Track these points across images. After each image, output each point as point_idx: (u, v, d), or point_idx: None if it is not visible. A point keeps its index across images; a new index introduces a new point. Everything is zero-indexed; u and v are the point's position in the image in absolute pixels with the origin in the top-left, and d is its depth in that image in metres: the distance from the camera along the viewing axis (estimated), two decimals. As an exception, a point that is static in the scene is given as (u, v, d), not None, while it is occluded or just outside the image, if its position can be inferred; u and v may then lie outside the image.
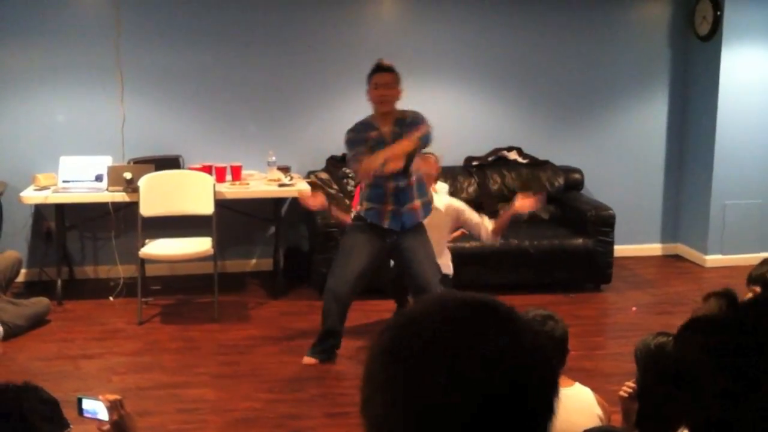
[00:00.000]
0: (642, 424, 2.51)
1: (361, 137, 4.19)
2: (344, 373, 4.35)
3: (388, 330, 0.98)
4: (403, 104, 6.13)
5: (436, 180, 5.97)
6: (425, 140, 4.12)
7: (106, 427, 2.19)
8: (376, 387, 0.94)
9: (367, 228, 4.28)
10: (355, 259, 4.25)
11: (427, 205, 4.35)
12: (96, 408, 2.20)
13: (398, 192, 4.19)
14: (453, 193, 6.13)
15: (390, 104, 4.22)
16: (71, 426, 1.99)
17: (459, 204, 4.79)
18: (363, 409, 0.95)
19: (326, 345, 4.42)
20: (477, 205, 6.22)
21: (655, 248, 6.78)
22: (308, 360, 4.41)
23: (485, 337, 0.91)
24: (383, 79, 4.21)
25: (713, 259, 6.39)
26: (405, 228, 4.24)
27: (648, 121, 6.64)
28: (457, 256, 5.54)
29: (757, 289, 2.97)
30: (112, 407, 2.18)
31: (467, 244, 5.61)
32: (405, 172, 4.14)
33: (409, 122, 4.17)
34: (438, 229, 4.59)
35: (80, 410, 2.20)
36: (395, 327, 0.97)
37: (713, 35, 6.24)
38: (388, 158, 3.97)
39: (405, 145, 4.04)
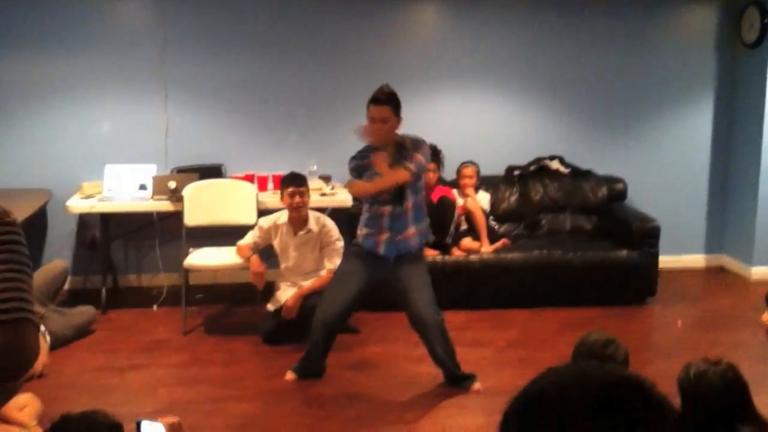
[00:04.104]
0: None
1: (365, 163, 4.08)
2: (387, 395, 4.30)
3: (514, 414, 0.92)
4: (445, 110, 6.17)
5: (476, 189, 5.96)
6: (419, 170, 4.00)
7: None
8: None
9: (363, 254, 4.21)
10: (347, 287, 4.20)
11: (424, 233, 4.26)
12: (155, 431, 2.19)
13: (393, 219, 4.11)
14: (494, 202, 6.11)
15: (382, 140, 4.03)
16: None
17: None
18: None
19: (307, 369, 4.39)
20: (518, 215, 6.21)
21: (698, 259, 6.68)
22: (289, 375, 4.41)
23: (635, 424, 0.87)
24: (379, 113, 3.97)
25: (759, 271, 6.27)
26: (400, 255, 4.17)
27: (693, 129, 6.54)
28: (501, 268, 5.53)
29: None
30: (172, 430, 2.17)
31: (509, 256, 5.56)
32: (400, 199, 4.07)
33: (408, 150, 4.03)
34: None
35: None
36: (522, 410, 0.91)
37: (761, 42, 6.14)
38: (381, 186, 4.00)
39: (397, 176, 3.98)
